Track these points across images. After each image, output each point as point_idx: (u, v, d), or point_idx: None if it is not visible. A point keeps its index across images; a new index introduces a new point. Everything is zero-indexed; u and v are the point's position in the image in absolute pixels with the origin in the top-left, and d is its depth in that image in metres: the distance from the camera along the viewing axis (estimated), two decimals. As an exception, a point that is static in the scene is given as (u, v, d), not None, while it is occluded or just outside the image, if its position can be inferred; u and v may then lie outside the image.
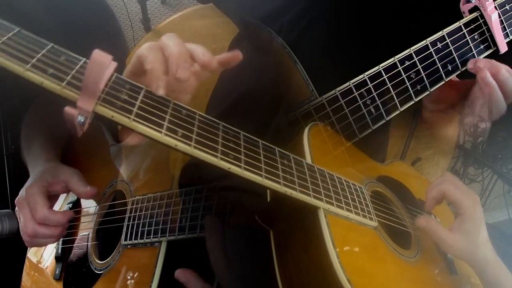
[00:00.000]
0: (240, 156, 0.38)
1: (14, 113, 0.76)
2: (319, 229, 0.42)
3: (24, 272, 0.72)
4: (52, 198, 0.62)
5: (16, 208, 0.60)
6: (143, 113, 0.34)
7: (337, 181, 0.47)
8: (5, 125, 0.79)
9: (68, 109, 0.30)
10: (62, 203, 0.70)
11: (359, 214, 0.47)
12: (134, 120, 0.33)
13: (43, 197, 0.59)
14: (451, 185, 0.52)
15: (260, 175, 0.38)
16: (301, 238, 0.44)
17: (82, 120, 0.31)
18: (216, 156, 0.36)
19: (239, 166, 0.37)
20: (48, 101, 0.68)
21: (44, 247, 0.70)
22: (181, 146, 0.35)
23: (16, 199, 0.61)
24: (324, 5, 0.59)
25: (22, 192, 0.61)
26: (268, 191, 0.47)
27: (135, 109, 0.34)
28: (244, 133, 0.41)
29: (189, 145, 0.35)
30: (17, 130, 0.71)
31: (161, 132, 0.34)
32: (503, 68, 0.54)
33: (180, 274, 0.53)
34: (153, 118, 0.34)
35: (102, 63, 0.29)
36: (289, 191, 0.40)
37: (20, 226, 0.60)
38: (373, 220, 0.48)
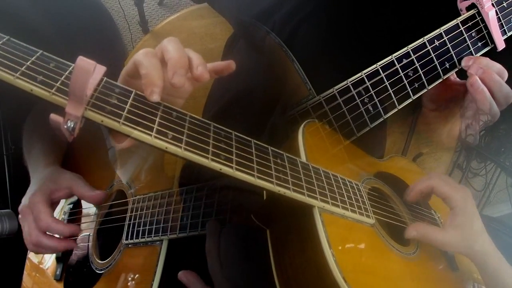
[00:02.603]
0: (231, 157, 0.38)
1: (15, 113, 0.77)
2: (314, 228, 0.41)
3: (25, 272, 0.72)
4: (54, 204, 0.63)
5: (20, 216, 0.61)
6: (132, 117, 0.34)
7: (332, 178, 0.47)
8: (5, 125, 0.80)
9: (53, 116, 0.30)
10: (63, 204, 0.71)
11: (356, 211, 0.47)
12: (123, 124, 0.34)
13: (46, 205, 0.60)
14: (440, 180, 0.52)
15: (252, 175, 0.38)
16: (297, 238, 0.44)
17: (72, 125, 0.32)
18: (207, 158, 0.36)
19: (231, 167, 0.37)
20: (47, 109, 0.69)
21: None
22: (172, 148, 0.35)
23: (20, 207, 0.61)
24: (317, 2, 0.59)
25: (25, 200, 0.61)
26: (264, 190, 0.47)
27: (124, 113, 0.34)
28: (236, 133, 0.41)
29: (180, 147, 0.35)
30: (17, 130, 0.72)
31: (151, 135, 0.34)
32: (494, 72, 0.53)
33: (183, 276, 0.53)
34: (143, 121, 0.35)
35: (86, 69, 0.30)
36: (282, 190, 0.40)
37: (24, 234, 0.60)
38: (370, 217, 0.48)
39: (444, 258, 0.56)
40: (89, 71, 0.30)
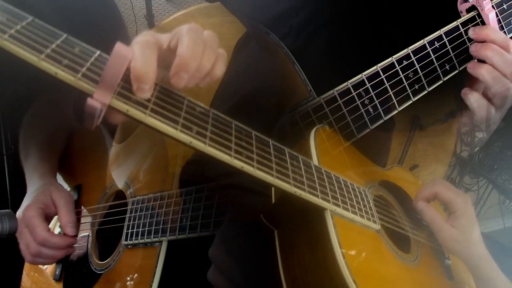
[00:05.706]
0: (252, 155, 0.37)
1: (15, 113, 0.75)
2: (326, 230, 0.42)
3: (24, 272, 0.71)
4: (49, 219, 0.63)
5: None
6: (158, 109, 0.34)
7: (343, 183, 0.47)
8: (5, 125, 0.78)
9: (91, 101, 0.29)
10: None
11: (364, 216, 0.47)
12: (149, 115, 0.33)
13: (41, 220, 0.60)
14: (443, 186, 0.54)
15: (272, 175, 0.38)
16: (307, 239, 0.44)
17: (98, 112, 0.31)
18: (229, 155, 0.36)
19: (252, 166, 0.37)
20: (45, 109, 0.68)
21: None
22: (196, 143, 0.34)
23: None
24: (328, 12, 0.60)
25: (19, 212, 0.61)
26: (273, 191, 0.47)
27: (150, 104, 0.33)
28: (255, 133, 0.41)
29: (204, 142, 0.35)
30: (17, 130, 0.71)
31: (176, 128, 0.34)
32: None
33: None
34: (169, 114, 0.34)
35: (124, 56, 0.29)
36: (298, 192, 0.40)
37: (21, 245, 0.61)
38: (376, 223, 0.49)
39: (441, 267, 0.57)
40: (127, 58, 0.29)
